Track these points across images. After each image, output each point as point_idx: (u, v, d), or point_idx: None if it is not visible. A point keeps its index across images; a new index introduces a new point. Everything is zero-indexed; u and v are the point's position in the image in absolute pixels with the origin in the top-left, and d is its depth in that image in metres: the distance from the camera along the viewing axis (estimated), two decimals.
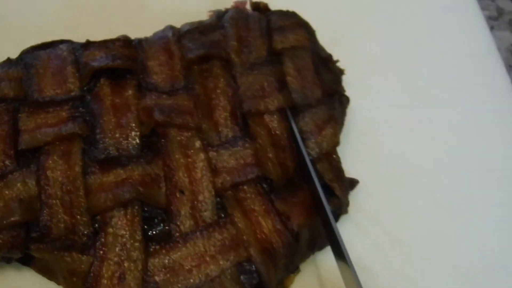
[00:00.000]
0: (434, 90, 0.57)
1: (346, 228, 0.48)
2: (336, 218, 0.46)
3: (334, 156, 0.47)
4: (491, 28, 0.71)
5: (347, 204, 0.47)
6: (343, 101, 0.51)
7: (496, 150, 0.55)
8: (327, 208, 0.43)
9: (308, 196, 0.44)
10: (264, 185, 0.43)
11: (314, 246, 0.46)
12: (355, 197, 0.50)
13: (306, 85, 0.47)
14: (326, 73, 0.50)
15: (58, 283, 0.42)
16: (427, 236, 0.49)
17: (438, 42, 0.60)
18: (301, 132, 0.45)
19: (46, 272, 0.42)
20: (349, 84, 0.54)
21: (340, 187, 0.45)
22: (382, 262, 0.48)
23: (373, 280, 0.46)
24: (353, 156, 0.52)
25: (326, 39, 0.53)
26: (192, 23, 0.49)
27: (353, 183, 0.49)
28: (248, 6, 0.53)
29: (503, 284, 0.48)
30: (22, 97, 0.43)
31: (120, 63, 0.44)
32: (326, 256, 0.47)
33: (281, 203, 0.43)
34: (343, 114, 0.51)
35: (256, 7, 0.52)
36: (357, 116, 0.54)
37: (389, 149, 0.53)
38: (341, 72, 0.52)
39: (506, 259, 0.49)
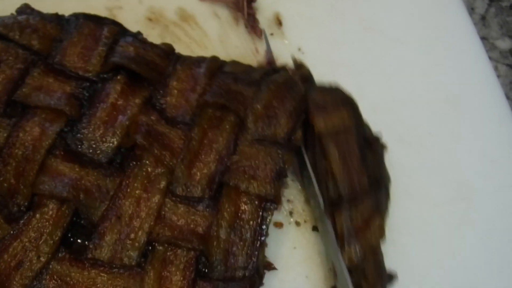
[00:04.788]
0: (391, 31, 0.58)
1: None
2: None
3: (379, 250, 0.43)
4: None
5: None
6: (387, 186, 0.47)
7: (455, 84, 0.56)
8: None
9: None
10: (203, 264, 0.40)
11: None
12: None
13: (352, 174, 0.43)
14: (370, 155, 0.45)
15: None
16: (391, 172, 0.48)
17: None
18: (348, 229, 0.41)
19: None
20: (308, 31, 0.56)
21: None
22: None
23: None
24: None
25: None
26: (237, 65, 0.46)
27: (391, 278, 0.44)
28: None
29: (471, 213, 0.49)
30: (45, 54, 0.43)
31: (140, 70, 0.43)
32: None
33: None
34: (387, 199, 0.46)
35: (298, 67, 0.50)
36: (316, 61, 0.53)
37: (349, 90, 0.50)
38: (383, 148, 0.48)
39: (471, 191, 0.50)
